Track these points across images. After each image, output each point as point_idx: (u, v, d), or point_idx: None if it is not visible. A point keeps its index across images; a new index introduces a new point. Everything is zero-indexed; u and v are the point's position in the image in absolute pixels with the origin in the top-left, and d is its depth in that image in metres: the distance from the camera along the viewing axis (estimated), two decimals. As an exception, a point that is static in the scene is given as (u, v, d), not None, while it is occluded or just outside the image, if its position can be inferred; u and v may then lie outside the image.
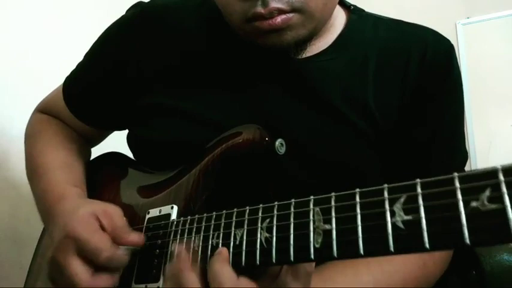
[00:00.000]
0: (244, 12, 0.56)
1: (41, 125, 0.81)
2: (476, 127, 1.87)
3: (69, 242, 0.54)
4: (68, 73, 0.81)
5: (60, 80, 0.82)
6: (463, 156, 0.69)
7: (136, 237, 0.55)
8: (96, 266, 0.53)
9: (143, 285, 0.55)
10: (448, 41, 0.69)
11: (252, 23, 0.56)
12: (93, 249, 0.52)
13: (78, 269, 0.52)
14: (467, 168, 0.70)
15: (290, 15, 0.55)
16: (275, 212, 0.45)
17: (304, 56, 0.65)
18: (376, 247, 0.37)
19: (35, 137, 0.79)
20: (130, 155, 0.76)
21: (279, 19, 0.55)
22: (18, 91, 1.15)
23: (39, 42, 1.23)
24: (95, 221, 0.55)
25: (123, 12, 0.76)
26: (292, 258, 0.42)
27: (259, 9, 0.54)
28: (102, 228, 0.55)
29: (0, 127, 1.12)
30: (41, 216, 0.70)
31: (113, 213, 0.57)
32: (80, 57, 0.79)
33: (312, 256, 0.40)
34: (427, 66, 0.65)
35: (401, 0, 2.11)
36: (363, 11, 0.72)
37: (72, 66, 0.80)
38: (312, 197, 0.43)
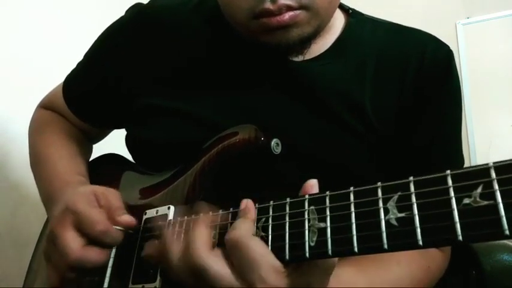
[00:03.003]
0: (252, 8, 0.55)
1: (45, 120, 0.82)
2: (476, 127, 1.86)
3: (67, 215, 0.56)
4: (67, 72, 0.81)
5: (60, 80, 0.82)
6: (460, 160, 0.69)
7: (127, 219, 0.56)
8: (91, 239, 0.55)
9: (140, 286, 0.55)
10: (447, 46, 0.69)
11: (259, 19, 0.56)
12: (90, 221, 0.54)
13: (71, 239, 0.54)
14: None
15: (297, 12, 0.55)
16: (271, 211, 0.45)
17: (303, 58, 0.65)
18: (370, 244, 0.37)
19: (40, 130, 0.81)
20: (128, 156, 0.76)
21: (286, 16, 0.55)
22: (19, 91, 1.15)
23: (39, 42, 1.23)
24: (94, 198, 0.58)
25: (124, 11, 0.76)
26: (287, 257, 0.42)
27: (268, 5, 0.54)
28: (100, 206, 0.57)
29: (1, 127, 1.12)
30: (44, 203, 0.72)
31: (110, 194, 0.59)
32: (79, 57, 0.79)
33: (307, 254, 0.41)
34: (425, 71, 0.65)
35: (402, 1, 2.11)
36: (362, 14, 0.72)
37: (72, 66, 0.80)
38: (307, 196, 0.43)
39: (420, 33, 0.70)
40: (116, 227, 0.56)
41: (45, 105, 0.85)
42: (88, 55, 0.78)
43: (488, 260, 0.75)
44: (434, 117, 0.66)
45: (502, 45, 1.94)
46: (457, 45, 1.95)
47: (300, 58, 0.65)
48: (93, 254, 0.55)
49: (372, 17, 0.73)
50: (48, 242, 0.58)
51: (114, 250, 0.59)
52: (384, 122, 0.64)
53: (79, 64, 0.79)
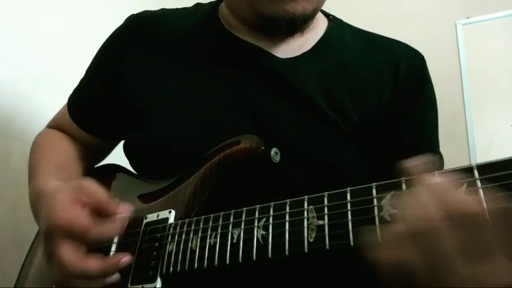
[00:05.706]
0: None
1: (43, 137, 0.84)
2: (476, 127, 1.87)
3: (54, 232, 0.54)
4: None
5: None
6: (441, 161, 0.71)
7: (123, 207, 0.55)
8: (89, 246, 0.53)
9: (139, 286, 0.56)
10: (420, 53, 0.74)
11: None
12: (80, 230, 0.52)
13: (65, 253, 0.52)
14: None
15: None
16: (271, 211, 0.47)
17: (288, 56, 0.68)
18: (366, 238, 0.39)
19: (39, 145, 0.81)
20: (127, 166, 0.77)
21: None
22: (19, 92, 1.16)
23: (40, 43, 1.23)
24: (74, 203, 0.55)
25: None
26: (287, 253, 0.44)
27: None
28: (85, 205, 0.55)
29: (1, 127, 1.12)
30: (34, 215, 0.69)
31: (90, 188, 0.56)
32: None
33: (306, 249, 0.43)
34: (402, 78, 0.69)
35: (402, 0, 2.11)
36: (341, 21, 0.76)
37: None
38: (306, 196, 0.45)
39: (394, 42, 0.75)
40: (109, 220, 0.54)
41: (51, 126, 0.86)
42: (88, 67, 0.80)
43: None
44: (414, 121, 0.69)
45: (502, 45, 1.94)
46: (457, 45, 1.96)
47: (285, 55, 0.68)
48: (93, 264, 0.52)
49: (349, 24, 0.77)
50: (48, 261, 0.56)
51: (112, 253, 0.60)
52: (364, 122, 0.66)
53: (80, 80, 0.81)
